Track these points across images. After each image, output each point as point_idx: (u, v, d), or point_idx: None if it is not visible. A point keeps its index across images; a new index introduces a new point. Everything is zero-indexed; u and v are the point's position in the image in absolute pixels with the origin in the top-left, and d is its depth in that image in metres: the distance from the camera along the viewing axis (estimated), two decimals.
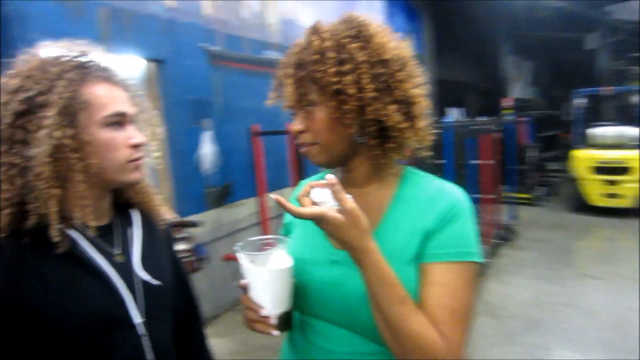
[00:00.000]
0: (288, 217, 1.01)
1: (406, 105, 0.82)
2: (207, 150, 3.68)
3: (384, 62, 0.80)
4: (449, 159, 3.89)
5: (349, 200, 0.72)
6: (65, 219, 0.81)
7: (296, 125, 0.85)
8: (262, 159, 3.69)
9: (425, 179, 0.90)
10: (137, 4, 3.15)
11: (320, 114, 0.82)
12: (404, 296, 0.74)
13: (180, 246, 3.02)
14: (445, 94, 8.05)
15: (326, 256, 0.86)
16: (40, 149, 0.76)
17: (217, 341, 3.32)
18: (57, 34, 0.90)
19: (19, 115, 0.78)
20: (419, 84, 0.85)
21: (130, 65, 3.31)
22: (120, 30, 3.04)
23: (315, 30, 0.83)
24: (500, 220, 5.68)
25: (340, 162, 0.88)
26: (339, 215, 0.71)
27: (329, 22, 0.85)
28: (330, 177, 0.71)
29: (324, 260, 0.86)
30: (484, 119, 5.51)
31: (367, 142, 0.83)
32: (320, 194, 0.73)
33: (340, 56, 0.79)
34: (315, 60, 0.79)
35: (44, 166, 0.76)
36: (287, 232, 1.00)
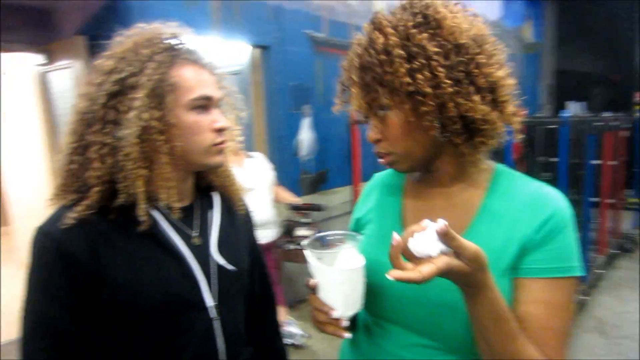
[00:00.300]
0: (360, 212, 0.95)
1: (490, 91, 0.72)
2: (305, 136, 3.72)
3: (459, 48, 0.71)
4: (563, 158, 3.54)
5: (470, 244, 0.61)
6: (149, 199, 0.82)
7: (371, 134, 0.78)
8: (359, 148, 3.65)
9: (519, 180, 0.81)
10: None
11: (395, 119, 0.74)
12: (515, 332, 0.68)
13: (301, 231, 3.08)
14: (566, 86, 7.33)
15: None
16: (129, 130, 0.78)
17: (301, 323, 3.39)
18: (173, 21, 0.91)
19: (112, 96, 0.80)
20: (501, 64, 0.74)
21: (236, 51, 3.45)
22: (229, 18, 3.15)
23: (376, 25, 0.74)
24: (620, 229, 5.07)
25: (424, 167, 0.81)
26: (464, 265, 0.61)
27: (389, 11, 0.76)
28: (439, 225, 0.59)
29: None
30: (610, 114, 4.91)
31: (452, 141, 0.74)
32: (424, 241, 0.61)
33: (408, 52, 0.70)
34: (382, 60, 0.71)
35: (133, 147, 0.78)
36: (358, 228, 0.94)
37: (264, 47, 3.45)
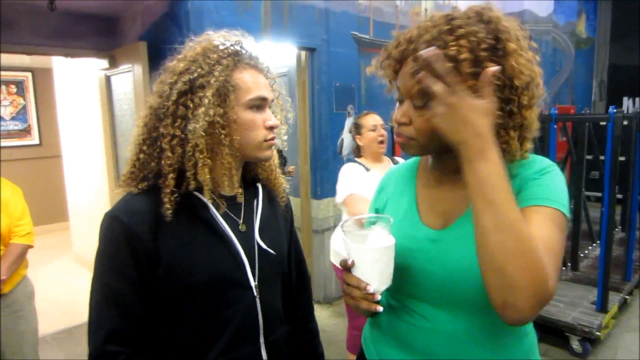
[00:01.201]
0: (378, 202, 1.05)
1: (520, 129, 0.81)
2: (348, 136, 3.80)
3: (513, 88, 0.78)
4: (609, 155, 3.42)
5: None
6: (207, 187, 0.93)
7: (399, 116, 0.84)
8: (400, 150, 3.69)
9: (526, 161, 0.87)
10: None
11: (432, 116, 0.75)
12: (514, 201, 0.69)
13: None
14: (619, 82, 7.02)
15: (423, 235, 0.89)
16: (198, 124, 0.88)
17: (337, 321, 3.50)
18: (227, 25, 1.03)
19: (183, 94, 0.91)
20: (534, 107, 0.81)
21: (284, 53, 3.56)
22: (279, 21, 3.28)
23: (450, 28, 0.76)
24: None
25: (436, 152, 0.88)
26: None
27: (461, 10, 0.80)
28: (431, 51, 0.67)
29: (422, 239, 0.89)
30: None
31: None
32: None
33: (475, 70, 0.74)
34: (448, 67, 0.71)
35: (200, 139, 0.89)
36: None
37: (310, 49, 3.56)
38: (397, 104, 0.87)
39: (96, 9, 3.23)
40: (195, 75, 0.91)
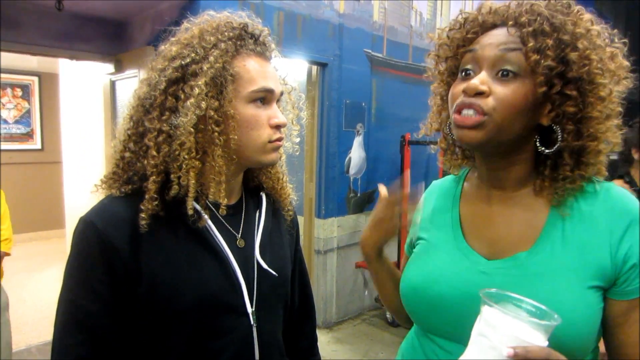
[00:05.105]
0: (419, 219, 0.91)
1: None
2: (356, 155, 3.70)
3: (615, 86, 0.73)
4: None
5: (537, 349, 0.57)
6: (199, 193, 0.79)
7: (477, 84, 0.69)
8: (409, 169, 3.59)
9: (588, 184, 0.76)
10: (311, 9, 3.29)
11: (521, 87, 0.69)
12: None
13: None
14: (632, 117, 6.94)
15: (471, 266, 0.76)
16: (185, 118, 0.75)
17: (337, 347, 3.34)
18: None
19: (173, 82, 0.77)
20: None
21: (295, 67, 3.48)
22: (292, 33, 3.20)
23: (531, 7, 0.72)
24: None
25: (497, 152, 0.75)
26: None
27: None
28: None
29: (470, 271, 0.76)
30: None
31: (558, 156, 0.73)
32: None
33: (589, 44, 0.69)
34: (581, 34, 0.69)
35: (188, 136, 0.75)
36: (415, 236, 0.91)
37: (322, 64, 3.48)
38: (461, 76, 0.75)
39: (106, 12, 3.17)
40: (188, 60, 0.77)
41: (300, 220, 3.66)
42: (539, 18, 0.69)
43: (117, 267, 0.74)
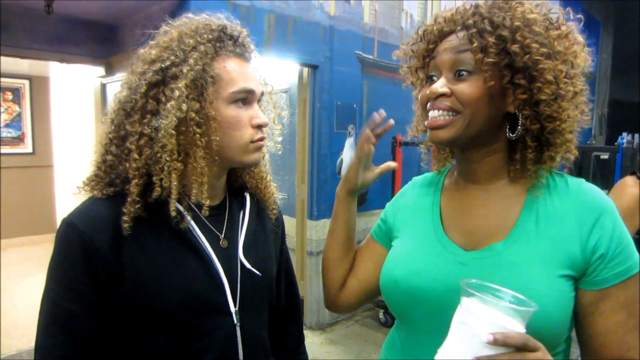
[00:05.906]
0: (390, 217, 0.96)
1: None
2: (348, 156, 3.72)
3: (574, 69, 0.77)
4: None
5: (516, 335, 0.59)
6: (181, 195, 0.80)
7: (439, 87, 0.77)
8: (400, 170, 3.61)
9: (558, 176, 0.81)
10: (302, 11, 3.30)
11: (478, 82, 0.74)
12: None
13: None
14: (619, 117, 7.04)
15: (449, 257, 0.78)
16: (166, 121, 0.76)
17: (330, 348, 3.35)
18: None
19: (153, 85, 0.78)
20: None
21: (286, 69, 3.49)
22: (282, 36, 3.21)
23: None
24: None
25: (471, 145, 0.79)
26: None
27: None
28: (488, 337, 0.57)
29: (448, 262, 0.78)
30: None
31: (524, 141, 0.76)
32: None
33: (538, 39, 0.73)
34: (519, 27, 0.73)
35: (169, 138, 0.76)
36: (387, 228, 0.95)
37: (313, 66, 3.49)
38: (425, 83, 0.83)
39: (96, 15, 3.17)
40: (168, 63, 0.78)
41: (293, 221, 3.67)
42: (480, 19, 0.75)
43: (99, 268, 0.74)
